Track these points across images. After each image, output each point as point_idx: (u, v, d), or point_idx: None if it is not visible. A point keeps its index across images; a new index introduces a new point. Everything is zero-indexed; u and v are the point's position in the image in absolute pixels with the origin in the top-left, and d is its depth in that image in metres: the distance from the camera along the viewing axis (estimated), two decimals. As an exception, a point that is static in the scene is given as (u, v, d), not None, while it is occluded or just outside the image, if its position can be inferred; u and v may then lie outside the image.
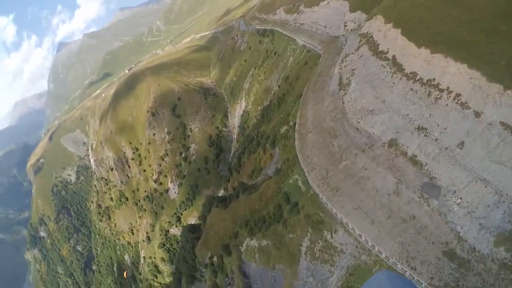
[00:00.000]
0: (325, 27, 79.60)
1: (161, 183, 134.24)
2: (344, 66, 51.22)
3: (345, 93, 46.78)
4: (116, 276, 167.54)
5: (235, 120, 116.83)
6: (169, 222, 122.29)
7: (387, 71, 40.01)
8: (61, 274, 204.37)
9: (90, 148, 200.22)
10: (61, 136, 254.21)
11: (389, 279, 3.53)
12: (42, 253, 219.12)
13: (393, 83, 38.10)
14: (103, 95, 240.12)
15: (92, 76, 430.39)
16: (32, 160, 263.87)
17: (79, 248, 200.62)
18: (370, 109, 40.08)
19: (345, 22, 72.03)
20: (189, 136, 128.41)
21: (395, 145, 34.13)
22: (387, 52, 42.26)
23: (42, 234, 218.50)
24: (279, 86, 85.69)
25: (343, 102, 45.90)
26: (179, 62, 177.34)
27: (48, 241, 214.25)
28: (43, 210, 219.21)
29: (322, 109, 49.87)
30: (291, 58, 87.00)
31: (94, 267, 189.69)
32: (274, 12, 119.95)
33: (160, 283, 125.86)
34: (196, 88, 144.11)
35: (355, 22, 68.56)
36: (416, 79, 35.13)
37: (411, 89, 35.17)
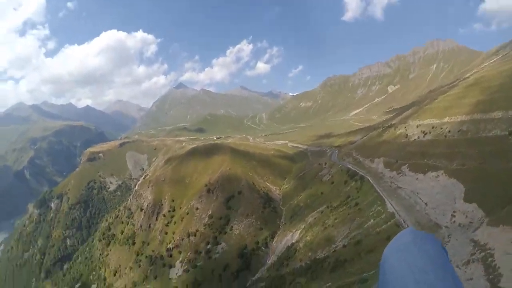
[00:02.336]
0: (426, 204, 66.09)
1: (171, 256, 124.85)
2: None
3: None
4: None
5: (279, 246, 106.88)
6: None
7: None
8: (38, 245, 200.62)
9: (142, 177, 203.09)
10: (130, 149, 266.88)
11: (414, 237, 3.51)
12: (39, 217, 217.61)
13: None
14: (183, 144, 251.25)
15: (187, 124, 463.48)
16: (95, 148, 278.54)
17: (68, 242, 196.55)
18: None
19: (454, 211, 57.02)
20: (225, 233, 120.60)
21: None
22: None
23: (52, 205, 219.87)
24: (344, 245, 73.40)
25: None
26: (260, 159, 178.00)
27: (51, 215, 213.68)
28: (69, 189, 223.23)
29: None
30: (372, 220, 73.99)
31: (65, 266, 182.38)
32: (372, 159, 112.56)
33: None
34: (262, 193, 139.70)
35: (466, 217, 53.05)
36: None
37: None
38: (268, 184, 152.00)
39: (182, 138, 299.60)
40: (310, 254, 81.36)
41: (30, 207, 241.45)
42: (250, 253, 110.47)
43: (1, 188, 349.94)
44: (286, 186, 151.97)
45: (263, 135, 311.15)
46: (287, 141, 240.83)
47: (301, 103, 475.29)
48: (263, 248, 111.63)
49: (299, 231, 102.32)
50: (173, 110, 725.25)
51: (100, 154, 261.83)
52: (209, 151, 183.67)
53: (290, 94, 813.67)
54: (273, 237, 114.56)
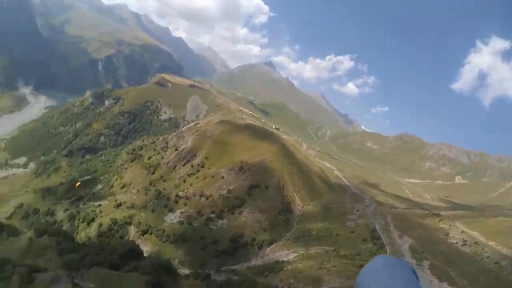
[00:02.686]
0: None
1: (176, 202, 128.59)
2: None
3: None
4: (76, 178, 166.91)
5: (270, 255, 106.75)
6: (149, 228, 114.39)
7: None
8: (75, 127, 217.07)
9: (193, 123, 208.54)
10: (196, 94, 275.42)
11: (386, 262, 3.66)
12: (89, 105, 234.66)
13: None
14: (244, 116, 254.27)
15: (257, 101, 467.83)
16: (167, 76, 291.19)
17: (101, 138, 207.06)
18: None
19: None
20: (233, 213, 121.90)
21: None
22: None
23: (106, 102, 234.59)
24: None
25: None
26: (302, 169, 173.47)
27: (100, 109, 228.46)
28: (127, 97, 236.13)
29: None
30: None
31: (86, 156, 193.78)
32: (402, 235, 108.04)
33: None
34: (285, 200, 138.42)
35: None
36: None
37: None
38: (295, 195, 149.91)
39: (245, 110, 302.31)
40: (292, 281, 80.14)
41: (88, 93, 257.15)
42: (242, 244, 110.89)
43: (74, 65, 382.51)
44: (310, 207, 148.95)
45: (317, 149, 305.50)
46: (335, 168, 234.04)
47: (368, 142, 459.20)
48: (256, 247, 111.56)
49: (295, 254, 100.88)
50: (251, 81, 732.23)
51: (169, 84, 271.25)
52: (262, 134, 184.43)
53: (363, 127, 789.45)
54: (270, 244, 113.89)
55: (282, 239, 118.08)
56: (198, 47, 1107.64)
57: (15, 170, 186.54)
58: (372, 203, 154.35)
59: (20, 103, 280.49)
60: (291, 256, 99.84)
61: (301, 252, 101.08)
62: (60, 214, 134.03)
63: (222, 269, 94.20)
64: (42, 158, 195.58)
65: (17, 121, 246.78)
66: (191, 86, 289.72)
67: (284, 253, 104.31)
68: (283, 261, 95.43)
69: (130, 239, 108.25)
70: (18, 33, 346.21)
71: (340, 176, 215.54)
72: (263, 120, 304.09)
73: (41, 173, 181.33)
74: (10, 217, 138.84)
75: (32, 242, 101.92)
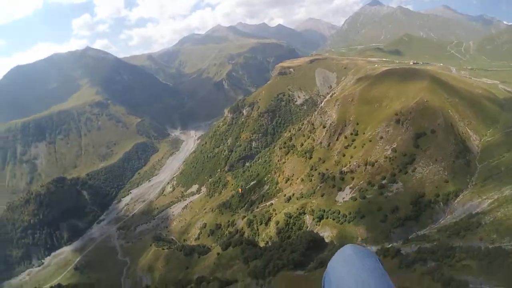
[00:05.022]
0: None
1: (343, 179, 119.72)
2: None
3: None
4: (242, 185, 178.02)
5: (460, 209, 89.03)
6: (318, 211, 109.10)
7: None
8: (227, 143, 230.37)
9: (329, 95, 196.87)
10: (319, 66, 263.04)
11: (355, 252, 3.91)
12: (231, 120, 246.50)
13: None
14: (375, 65, 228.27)
15: (381, 44, 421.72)
16: (285, 63, 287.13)
17: (253, 144, 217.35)
18: None
19: None
20: (406, 173, 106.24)
21: None
22: None
23: (244, 112, 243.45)
24: None
25: None
26: (464, 97, 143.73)
27: (241, 119, 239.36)
28: (259, 99, 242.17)
29: None
30: None
31: (246, 164, 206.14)
32: None
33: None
34: (458, 139, 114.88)
35: None
36: None
37: None
38: (468, 130, 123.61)
39: (374, 59, 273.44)
40: (494, 236, 62.38)
41: (226, 111, 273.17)
42: (425, 204, 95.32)
43: (203, 94, 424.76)
44: (489, 138, 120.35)
45: (469, 68, 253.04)
46: (497, 82, 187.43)
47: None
48: (441, 203, 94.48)
49: (489, 201, 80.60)
50: (365, 29, 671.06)
51: (291, 69, 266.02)
52: (404, 75, 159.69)
53: (505, 22, 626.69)
54: (456, 195, 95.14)
55: (469, 186, 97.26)
56: (298, 24, 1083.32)
57: (191, 198, 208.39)
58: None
59: (176, 144, 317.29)
60: (485, 204, 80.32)
61: (495, 197, 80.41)
62: (240, 222, 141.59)
63: (410, 237, 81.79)
64: (209, 180, 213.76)
65: (180, 158, 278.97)
66: (311, 61, 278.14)
67: (475, 202, 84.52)
68: (477, 213, 77.09)
69: (308, 228, 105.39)
70: (150, 94, 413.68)
71: (508, 89, 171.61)
72: (397, 62, 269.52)
73: (213, 193, 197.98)
74: (198, 238, 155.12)
75: (220, 256, 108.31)
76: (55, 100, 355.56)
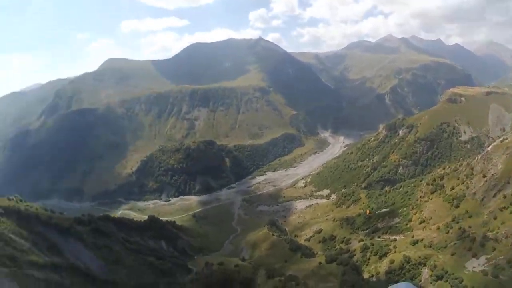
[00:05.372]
0: None
1: (483, 245, 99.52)
2: None
3: None
4: (373, 208, 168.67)
5: None
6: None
7: None
8: (372, 160, 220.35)
9: (500, 139, 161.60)
10: (495, 101, 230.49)
11: None
12: (384, 138, 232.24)
13: None
14: None
15: None
16: (458, 90, 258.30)
17: (399, 170, 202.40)
18: None
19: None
20: None
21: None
22: None
23: (400, 132, 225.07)
24: None
25: None
26: None
27: (395, 140, 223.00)
28: (420, 123, 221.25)
29: None
30: None
31: (385, 188, 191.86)
32: None
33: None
34: None
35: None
36: None
37: None
38: None
39: None
40: None
41: (381, 127, 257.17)
42: None
43: (362, 104, 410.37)
44: None
45: None
46: None
47: None
48: None
49: None
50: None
51: (462, 98, 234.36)
52: None
53: None
54: None
55: None
56: (478, 46, 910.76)
57: (318, 201, 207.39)
58: None
59: (322, 145, 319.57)
60: None
61: None
62: (354, 244, 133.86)
63: None
64: (342, 190, 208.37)
65: (321, 159, 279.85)
66: (487, 94, 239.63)
67: None
68: None
69: (421, 282, 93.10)
70: (310, 91, 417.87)
71: None
72: None
73: (341, 204, 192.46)
74: (308, 240, 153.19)
75: (320, 266, 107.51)
76: (224, 77, 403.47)
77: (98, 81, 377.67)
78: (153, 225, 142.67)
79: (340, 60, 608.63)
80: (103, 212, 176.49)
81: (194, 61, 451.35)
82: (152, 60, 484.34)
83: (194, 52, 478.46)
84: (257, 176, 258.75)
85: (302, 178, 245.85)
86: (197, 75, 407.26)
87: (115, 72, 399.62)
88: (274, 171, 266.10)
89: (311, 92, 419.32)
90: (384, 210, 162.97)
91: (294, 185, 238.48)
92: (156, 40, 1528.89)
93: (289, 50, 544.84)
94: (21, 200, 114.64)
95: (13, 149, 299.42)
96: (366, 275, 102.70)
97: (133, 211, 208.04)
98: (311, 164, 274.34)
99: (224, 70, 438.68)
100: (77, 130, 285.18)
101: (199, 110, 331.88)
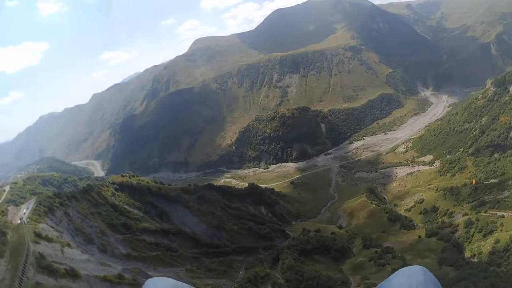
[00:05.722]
0: None
1: None
2: None
3: None
4: (480, 178, 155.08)
5: None
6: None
7: None
8: (481, 122, 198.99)
9: None
10: None
11: (425, 277, 3.53)
12: (493, 96, 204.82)
13: None
14: None
15: None
16: None
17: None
18: None
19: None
20: None
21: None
22: None
23: (511, 89, 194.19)
24: None
25: None
26: None
27: (505, 98, 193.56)
28: None
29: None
30: None
31: (495, 155, 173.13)
32: None
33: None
34: None
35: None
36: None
37: None
38: None
39: None
40: None
41: (488, 82, 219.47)
42: None
43: (465, 56, 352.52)
44: None
45: None
46: None
47: None
48: None
49: None
50: None
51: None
52: None
53: None
54: None
55: None
56: None
57: (420, 168, 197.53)
58: None
59: (423, 105, 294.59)
60: None
61: None
62: (458, 218, 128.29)
63: None
64: (447, 156, 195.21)
65: (423, 121, 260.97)
66: None
67: None
68: None
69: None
70: (405, 46, 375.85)
71: None
72: None
73: (445, 171, 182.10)
74: (409, 210, 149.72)
75: (419, 240, 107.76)
76: (311, 40, 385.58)
77: (190, 61, 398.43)
78: (253, 192, 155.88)
79: (435, 8, 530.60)
80: (207, 181, 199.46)
81: (278, 29, 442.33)
82: (238, 34, 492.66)
83: (276, 20, 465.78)
84: (354, 141, 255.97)
85: (403, 143, 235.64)
86: (283, 42, 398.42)
87: (205, 50, 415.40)
88: (372, 135, 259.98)
89: (406, 46, 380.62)
90: (492, 181, 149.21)
91: (394, 150, 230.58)
92: (237, 13, 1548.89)
93: (376, 2, 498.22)
94: (133, 176, 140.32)
95: (122, 132, 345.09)
96: (467, 254, 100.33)
97: (235, 179, 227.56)
98: (412, 126, 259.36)
99: (309, 33, 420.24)
100: (177, 109, 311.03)
101: (290, 77, 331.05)
